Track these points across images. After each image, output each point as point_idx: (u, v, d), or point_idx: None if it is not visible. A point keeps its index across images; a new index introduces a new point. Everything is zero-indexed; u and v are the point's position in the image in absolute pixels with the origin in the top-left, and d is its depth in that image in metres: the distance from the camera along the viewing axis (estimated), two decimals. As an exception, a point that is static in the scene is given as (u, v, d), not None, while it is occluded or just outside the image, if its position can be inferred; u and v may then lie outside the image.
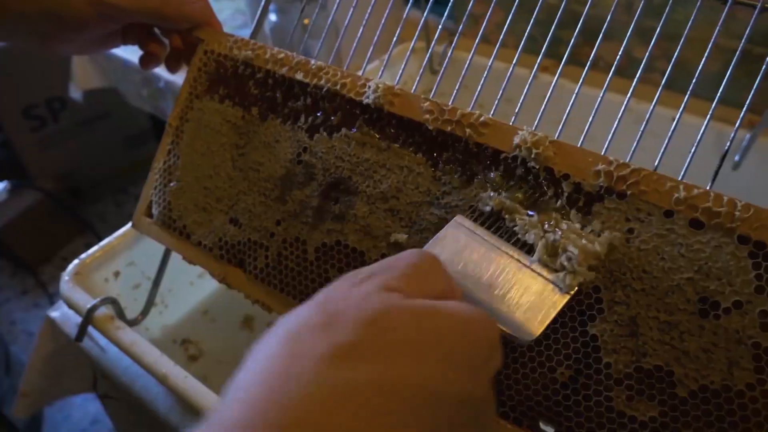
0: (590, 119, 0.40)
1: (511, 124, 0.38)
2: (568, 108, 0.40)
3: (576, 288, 0.32)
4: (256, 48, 0.47)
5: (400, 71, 0.46)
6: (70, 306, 0.51)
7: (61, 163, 1.62)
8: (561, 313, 0.32)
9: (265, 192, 0.45)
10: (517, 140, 0.37)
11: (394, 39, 0.48)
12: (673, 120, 0.38)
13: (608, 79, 0.40)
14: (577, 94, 0.40)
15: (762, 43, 0.84)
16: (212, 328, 0.65)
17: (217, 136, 0.47)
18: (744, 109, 0.37)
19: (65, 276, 0.53)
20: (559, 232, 0.33)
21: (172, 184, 0.49)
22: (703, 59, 0.38)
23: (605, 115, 0.40)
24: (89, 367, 0.64)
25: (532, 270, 0.32)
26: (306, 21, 0.81)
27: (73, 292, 0.51)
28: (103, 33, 0.49)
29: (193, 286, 0.66)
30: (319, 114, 0.44)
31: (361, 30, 0.48)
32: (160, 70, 0.80)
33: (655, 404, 0.32)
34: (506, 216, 0.35)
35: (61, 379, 0.68)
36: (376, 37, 0.48)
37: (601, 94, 0.40)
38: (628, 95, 0.39)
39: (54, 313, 0.61)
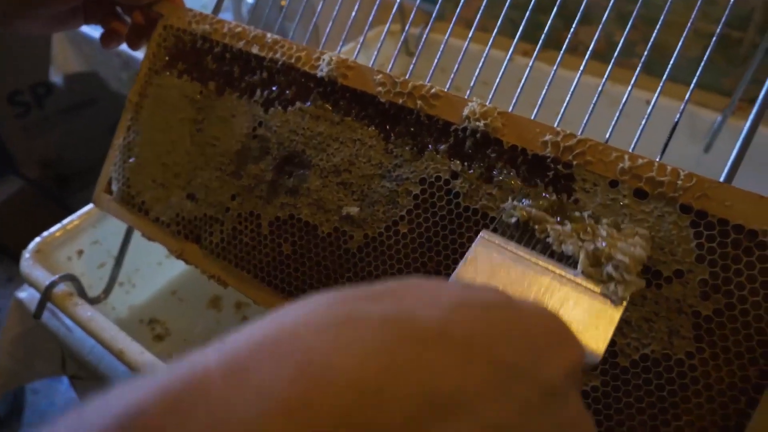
0: (566, 102, 0.39)
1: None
2: (544, 91, 0.39)
3: (629, 298, 0.29)
4: (215, 22, 0.46)
5: (375, 53, 0.46)
6: (30, 283, 0.51)
7: (46, 150, 1.61)
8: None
9: (221, 167, 0.44)
10: (466, 111, 0.36)
11: (369, 20, 0.47)
12: (649, 103, 0.37)
13: (584, 61, 0.39)
14: (553, 76, 0.39)
15: (739, 28, 0.84)
16: (180, 307, 0.65)
17: (176, 111, 0.47)
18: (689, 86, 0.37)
19: (26, 254, 0.53)
20: (600, 240, 0.30)
21: (131, 160, 0.48)
22: (680, 43, 0.37)
23: (582, 98, 0.39)
24: (58, 348, 0.64)
25: (577, 284, 0.29)
26: (283, 2, 0.80)
27: (32, 270, 0.51)
28: (64, 10, 0.48)
29: (160, 267, 0.66)
30: (274, 88, 0.43)
31: (336, 11, 0.48)
32: (141, 54, 0.79)
33: (597, 374, 0.32)
34: (535, 226, 0.32)
35: (32, 361, 0.68)
36: (351, 19, 0.47)
37: (577, 77, 0.39)
38: (605, 77, 0.38)
39: (21, 294, 0.61)
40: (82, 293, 0.51)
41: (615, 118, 0.37)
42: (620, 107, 0.38)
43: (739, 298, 0.30)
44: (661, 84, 0.38)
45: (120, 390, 0.16)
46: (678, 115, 0.37)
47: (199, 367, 0.15)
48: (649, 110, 0.37)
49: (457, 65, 0.42)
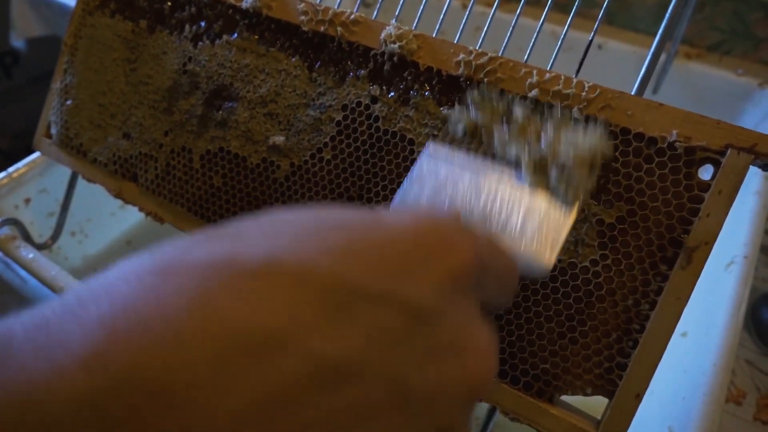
0: (528, 50, 0.38)
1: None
2: (506, 40, 0.38)
3: (581, 200, 0.28)
4: (145, -40, 0.46)
5: (337, 4, 0.44)
6: (-28, 228, 0.51)
7: (15, 121, 1.59)
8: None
9: (154, 104, 0.45)
10: (383, 35, 0.37)
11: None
12: (602, 48, 0.36)
13: (545, 11, 0.38)
14: (513, 26, 0.38)
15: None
16: (134, 257, 0.66)
17: (109, 51, 0.47)
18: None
19: (-30, 201, 0.53)
20: (543, 144, 0.29)
21: (68, 103, 0.48)
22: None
23: (543, 48, 0.38)
24: (15, 302, 0.64)
25: (527, 190, 0.27)
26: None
27: (-24, 215, 0.51)
28: None
29: (114, 217, 0.66)
30: (202, 23, 0.43)
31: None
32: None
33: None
34: (483, 134, 0.31)
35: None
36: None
37: (538, 27, 0.38)
38: (565, 27, 0.37)
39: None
40: (27, 238, 0.51)
41: (555, 52, 0.37)
42: (559, 41, 0.36)
43: (640, 204, 0.31)
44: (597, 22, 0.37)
45: None
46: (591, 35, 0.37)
47: (6, 324, 0.14)
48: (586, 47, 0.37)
49: (417, 18, 0.41)
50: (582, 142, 0.29)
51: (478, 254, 0.19)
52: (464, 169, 0.28)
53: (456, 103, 0.33)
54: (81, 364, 0.13)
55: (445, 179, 0.28)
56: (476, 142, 0.31)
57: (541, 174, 0.28)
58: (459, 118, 0.32)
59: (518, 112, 0.31)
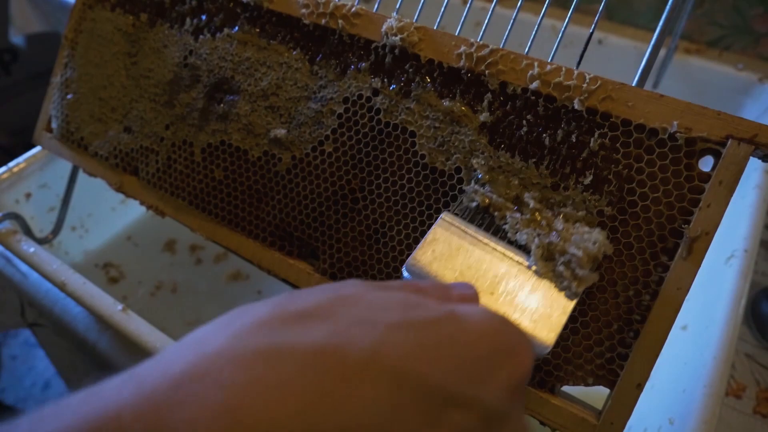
0: (528, 45, 0.38)
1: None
2: (506, 34, 0.38)
3: (582, 291, 0.29)
4: (145, -47, 0.46)
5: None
6: (-27, 224, 0.51)
7: (15, 117, 1.59)
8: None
9: (155, 98, 0.45)
10: (384, 27, 0.37)
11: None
12: (602, 43, 0.36)
13: (545, 6, 0.38)
14: (513, 21, 0.38)
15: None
16: (135, 251, 0.66)
17: (110, 45, 0.47)
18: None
19: (-29, 196, 0.53)
20: (554, 233, 0.30)
21: (69, 97, 0.48)
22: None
23: (544, 43, 0.38)
24: (16, 297, 0.64)
25: (534, 272, 0.29)
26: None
27: (-24, 210, 0.51)
28: None
29: (114, 212, 0.66)
30: (203, 16, 0.43)
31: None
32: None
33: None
34: (495, 213, 0.32)
35: (-6, 312, 0.68)
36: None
37: (538, 21, 0.38)
38: (565, 22, 0.37)
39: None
40: (28, 232, 0.51)
41: (555, 46, 0.37)
42: (559, 36, 0.37)
43: (640, 195, 0.31)
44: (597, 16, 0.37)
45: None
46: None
47: (112, 406, 0.15)
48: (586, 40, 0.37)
49: (417, 13, 0.41)
50: (590, 238, 0.30)
51: (532, 359, 0.22)
52: (475, 244, 0.30)
53: (472, 183, 0.34)
54: None
55: (457, 251, 0.30)
56: (489, 218, 0.32)
57: (548, 261, 0.29)
58: (474, 192, 0.33)
59: (530, 200, 0.32)
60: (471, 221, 0.32)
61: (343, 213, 0.38)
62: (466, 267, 0.29)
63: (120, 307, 0.44)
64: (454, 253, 0.29)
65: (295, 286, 0.39)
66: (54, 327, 0.60)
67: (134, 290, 0.62)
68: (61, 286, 0.45)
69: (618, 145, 0.32)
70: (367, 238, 0.37)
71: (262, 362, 0.16)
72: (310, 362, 0.16)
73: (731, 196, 0.29)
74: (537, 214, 0.32)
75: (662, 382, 0.46)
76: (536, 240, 0.30)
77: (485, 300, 0.28)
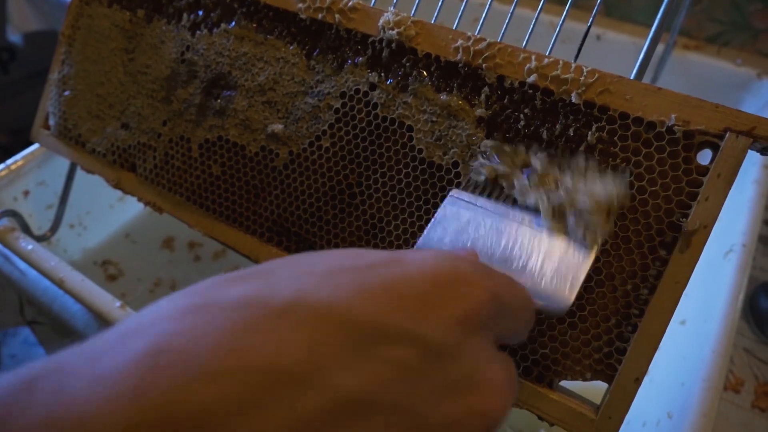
0: (525, 41, 0.38)
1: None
2: (503, 30, 0.38)
3: (600, 242, 0.29)
4: (142, -51, 0.46)
5: None
6: (-29, 221, 0.51)
7: (13, 116, 1.59)
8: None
9: (152, 94, 0.44)
10: (381, 22, 0.37)
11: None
12: (600, 38, 0.36)
13: (542, 1, 0.38)
14: (511, 16, 0.38)
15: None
16: (133, 249, 0.66)
17: (107, 41, 0.47)
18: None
19: (-31, 193, 0.53)
20: (561, 191, 0.30)
21: (66, 94, 0.48)
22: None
23: (541, 38, 0.38)
24: (15, 295, 0.64)
25: (547, 233, 0.29)
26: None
27: (-26, 207, 0.51)
28: None
29: (113, 210, 0.66)
30: (200, 12, 0.43)
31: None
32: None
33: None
34: (503, 183, 0.32)
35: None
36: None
37: (535, 16, 0.38)
38: (563, 16, 0.37)
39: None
40: (26, 230, 0.51)
41: (552, 41, 0.37)
42: (556, 31, 0.36)
43: (639, 189, 0.31)
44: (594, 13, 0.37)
45: None
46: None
47: (64, 355, 0.16)
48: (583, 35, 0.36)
49: (414, 7, 0.41)
50: (600, 189, 0.30)
51: (493, 292, 0.20)
52: (485, 214, 0.29)
53: (479, 155, 0.34)
54: (128, 396, 0.14)
55: (467, 223, 0.29)
56: (498, 189, 0.32)
57: (559, 219, 0.29)
58: (481, 166, 0.33)
59: (537, 163, 0.32)
60: (480, 194, 0.31)
61: (340, 208, 0.38)
62: (477, 238, 0.29)
63: (118, 304, 0.44)
64: (464, 226, 0.29)
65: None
66: (53, 325, 0.60)
67: (133, 287, 0.62)
68: (60, 284, 0.45)
69: (616, 138, 0.32)
70: (365, 233, 0.37)
71: (191, 315, 0.17)
72: (234, 309, 0.17)
73: (729, 189, 0.29)
74: (545, 175, 0.31)
75: (661, 377, 0.46)
76: (545, 199, 0.29)
77: (501, 270, 0.27)
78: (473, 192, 0.32)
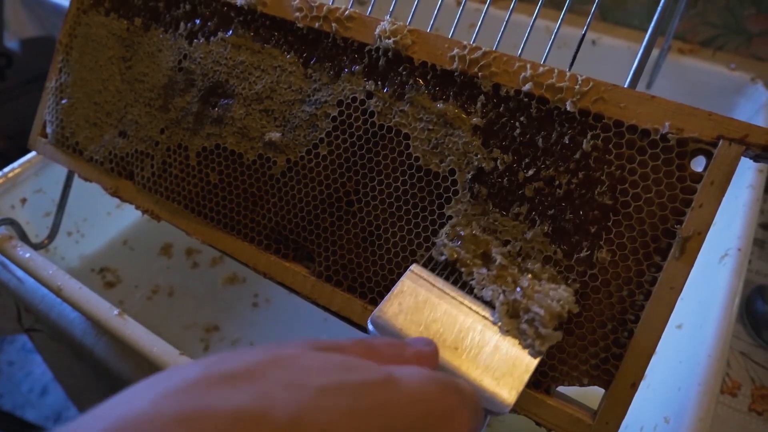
0: (521, 46, 0.38)
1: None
2: (499, 36, 0.38)
3: (545, 350, 0.29)
4: (139, -42, 0.46)
5: (331, 1, 0.44)
6: (-31, 229, 0.51)
7: (10, 122, 1.59)
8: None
9: (149, 102, 0.45)
10: (377, 30, 0.37)
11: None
12: (595, 44, 0.37)
13: (538, 6, 0.38)
14: (507, 22, 0.38)
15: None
16: (131, 256, 0.66)
17: (104, 49, 0.47)
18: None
19: (-34, 201, 0.53)
20: (519, 290, 0.31)
21: (63, 102, 0.48)
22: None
23: (537, 44, 0.38)
24: (12, 302, 0.64)
25: (499, 329, 0.29)
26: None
27: (-29, 216, 0.51)
28: None
29: (110, 217, 0.66)
30: (197, 21, 0.43)
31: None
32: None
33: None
34: (462, 269, 0.33)
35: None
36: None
37: (531, 22, 0.38)
38: (558, 23, 0.37)
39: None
40: (23, 237, 0.51)
41: (548, 46, 0.37)
42: (552, 36, 0.37)
43: (633, 196, 0.31)
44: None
45: None
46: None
47: None
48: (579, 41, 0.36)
49: (411, 15, 0.41)
50: (555, 296, 0.30)
51: (471, 430, 0.22)
52: (442, 297, 0.30)
53: (442, 236, 0.34)
54: None
55: (423, 303, 0.30)
56: (456, 274, 0.33)
57: (513, 318, 0.30)
58: (443, 246, 0.34)
59: (497, 257, 0.33)
60: (439, 275, 0.32)
61: (338, 216, 0.38)
62: (431, 320, 0.29)
63: (116, 311, 0.44)
64: (420, 306, 0.30)
65: (291, 290, 0.39)
66: (51, 332, 0.60)
67: (131, 295, 0.62)
68: (57, 292, 0.45)
69: (610, 146, 0.32)
70: (362, 240, 0.37)
71: (182, 427, 0.16)
72: (229, 426, 0.16)
73: (723, 196, 0.30)
74: (503, 270, 0.32)
75: (658, 381, 0.46)
76: (501, 297, 0.30)
77: (448, 355, 0.28)
78: (433, 270, 0.32)
